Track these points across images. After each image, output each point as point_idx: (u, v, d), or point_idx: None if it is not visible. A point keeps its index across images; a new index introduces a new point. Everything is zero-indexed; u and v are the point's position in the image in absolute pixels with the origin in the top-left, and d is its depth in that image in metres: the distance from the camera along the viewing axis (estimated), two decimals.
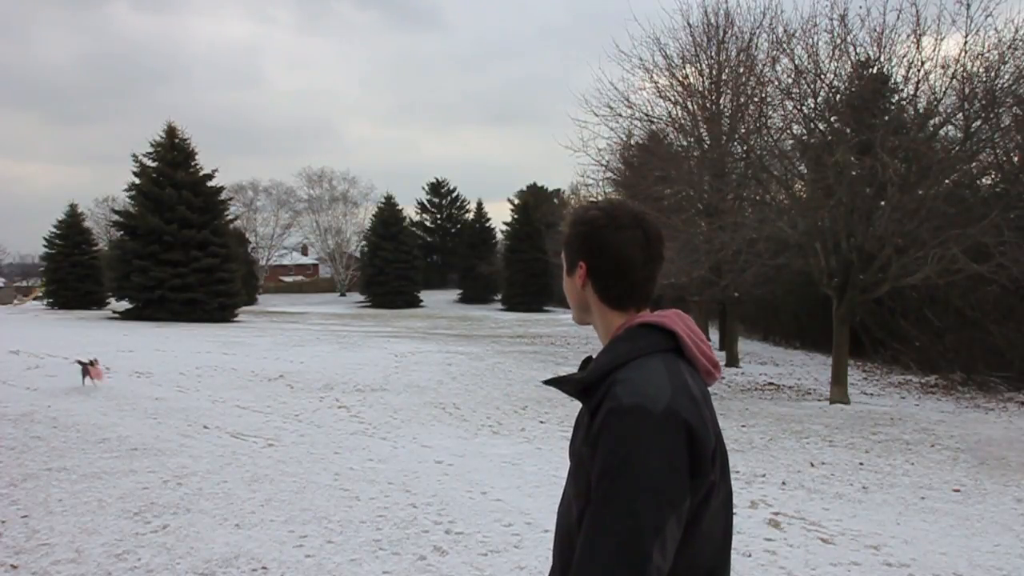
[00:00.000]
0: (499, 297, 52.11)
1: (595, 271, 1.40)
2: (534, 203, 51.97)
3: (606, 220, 1.38)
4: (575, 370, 1.41)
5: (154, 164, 28.55)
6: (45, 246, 36.46)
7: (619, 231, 1.37)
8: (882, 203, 11.67)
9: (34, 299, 45.74)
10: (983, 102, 11.12)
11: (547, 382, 1.42)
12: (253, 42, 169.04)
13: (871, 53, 11.97)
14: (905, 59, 11.67)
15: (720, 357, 18.63)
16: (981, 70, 11.22)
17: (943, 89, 11.53)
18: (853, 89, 12.27)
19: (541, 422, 9.29)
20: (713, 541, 1.28)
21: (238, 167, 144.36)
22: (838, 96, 12.47)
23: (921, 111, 11.88)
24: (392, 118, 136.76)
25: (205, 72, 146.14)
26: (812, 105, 12.42)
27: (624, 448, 1.20)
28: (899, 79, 12.23)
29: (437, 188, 65.47)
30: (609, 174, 20.59)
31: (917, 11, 11.32)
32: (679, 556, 1.22)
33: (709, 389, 1.41)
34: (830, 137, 12.27)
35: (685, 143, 17.03)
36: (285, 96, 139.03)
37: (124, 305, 28.51)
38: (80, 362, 10.40)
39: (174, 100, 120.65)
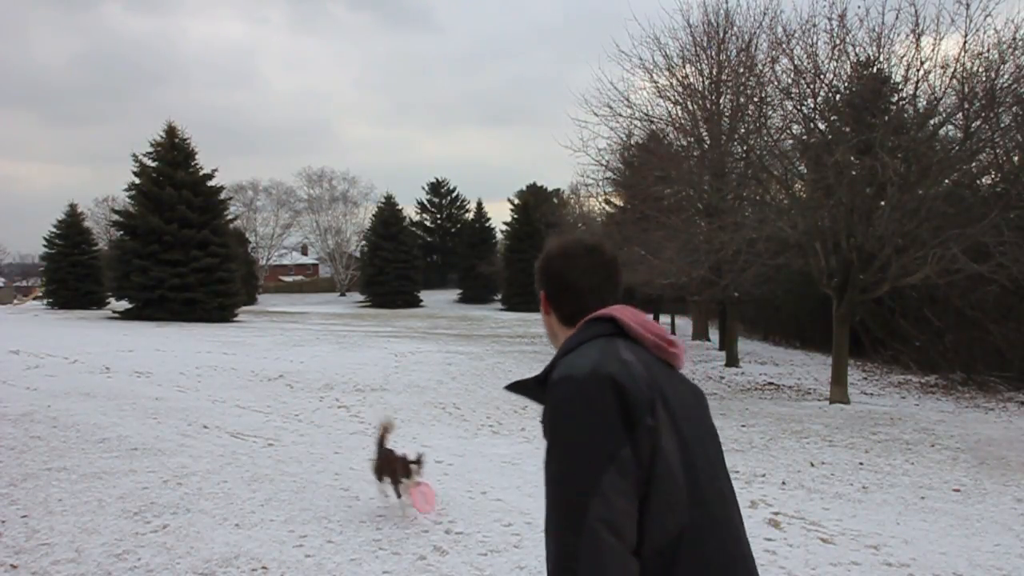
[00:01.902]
0: (499, 297, 52.12)
1: (552, 297, 1.57)
2: (534, 203, 51.97)
3: (557, 252, 1.56)
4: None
5: (154, 164, 28.55)
6: (45, 246, 36.47)
7: (568, 260, 1.54)
8: (882, 203, 11.66)
9: (34, 299, 45.76)
10: (983, 102, 11.11)
11: (509, 387, 1.54)
12: (248, 43, 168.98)
13: (871, 53, 11.96)
14: (904, 59, 11.68)
15: (720, 357, 18.65)
16: (981, 69, 11.22)
17: (943, 89, 11.53)
18: (853, 89, 12.26)
19: (541, 422, 9.28)
20: (674, 482, 1.29)
21: (238, 167, 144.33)
22: (838, 96, 12.47)
23: (921, 111, 11.88)
24: (390, 118, 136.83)
25: (202, 72, 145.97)
26: (812, 105, 12.41)
27: (554, 416, 1.33)
28: (899, 79, 12.22)
29: (437, 188, 65.46)
30: (609, 174, 20.58)
31: (916, 11, 11.32)
32: (647, 502, 1.26)
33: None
34: (830, 137, 12.27)
35: (685, 143, 17.02)
36: (282, 96, 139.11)
37: (124, 305, 28.50)
38: (392, 459, 5.14)
39: (172, 100, 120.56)
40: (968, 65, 11.16)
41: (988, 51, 11.23)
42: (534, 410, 10.31)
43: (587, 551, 1.20)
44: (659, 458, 1.28)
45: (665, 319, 33.45)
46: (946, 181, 12.21)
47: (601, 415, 1.27)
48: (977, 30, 11.16)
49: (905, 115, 12.19)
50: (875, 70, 12.24)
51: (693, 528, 1.29)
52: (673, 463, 1.29)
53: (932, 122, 11.81)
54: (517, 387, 1.50)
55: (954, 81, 11.26)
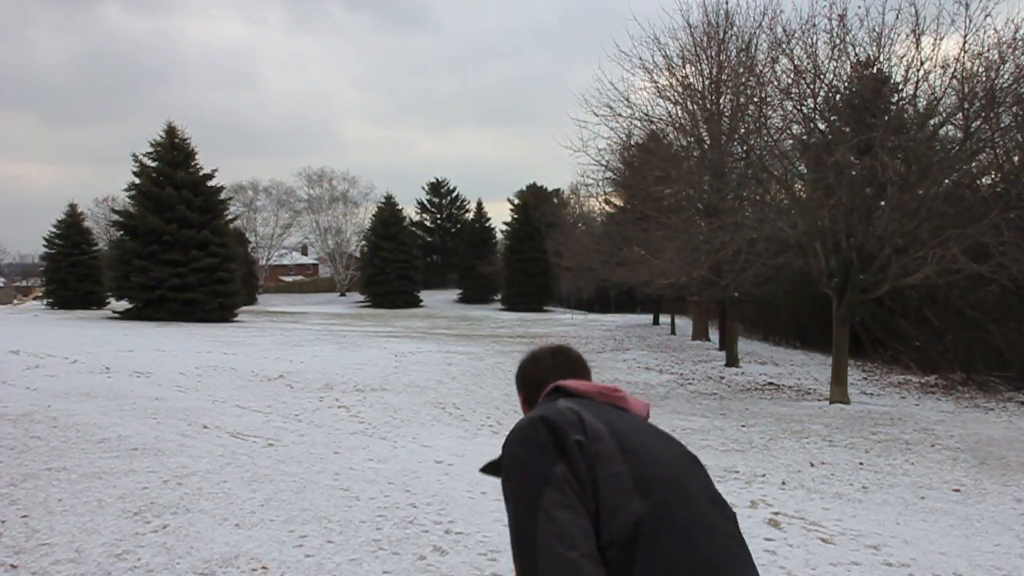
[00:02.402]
0: (499, 297, 52.16)
1: (528, 398, 1.81)
2: (534, 203, 52.05)
3: (528, 359, 1.85)
4: None
5: (154, 164, 28.55)
6: (45, 246, 36.48)
7: (535, 363, 1.81)
8: (882, 203, 11.66)
9: (34, 299, 45.75)
10: (983, 102, 11.10)
11: (482, 471, 1.78)
12: (246, 43, 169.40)
13: (871, 53, 11.96)
14: (904, 59, 11.67)
15: (720, 357, 18.65)
16: (981, 69, 11.21)
17: (943, 89, 11.52)
18: (853, 89, 12.26)
19: None
20: (618, 481, 1.38)
21: (237, 167, 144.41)
22: (838, 96, 12.46)
23: (921, 111, 11.87)
24: (389, 118, 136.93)
25: (201, 72, 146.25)
26: (812, 105, 12.41)
27: (505, 458, 1.50)
28: (899, 79, 12.22)
29: (437, 188, 65.48)
30: (609, 174, 20.61)
31: (916, 11, 11.32)
32: (599, 504, 1.37)
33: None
34: (830, 137, 12.27)
35: (685, 143, 17.02)
36: (281, 96, 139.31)
37: (124, 305, 28.50)
38: None
39: (172, 100, 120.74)
40: (968, 65, 11.16)
41: (988, 51, 11.23)
42: None
43: (544, 567, 1.30)
44: (599, 462, 1.39)
45: (665, 319, 33.49)
46: (946, 181, 12.20)
47: (534, 446, 1.43)
48: (977, 30, 11.16)
49: (905, 115, 12.18)
50: (875, 70, 12.24)
51: (648, 521, 1.34)
52: (615, 465, 1.39)
53: (932, 122, 11.81)
54: (488, 469, 1.71)
55: (954, 81, 11.26)
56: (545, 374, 1.75)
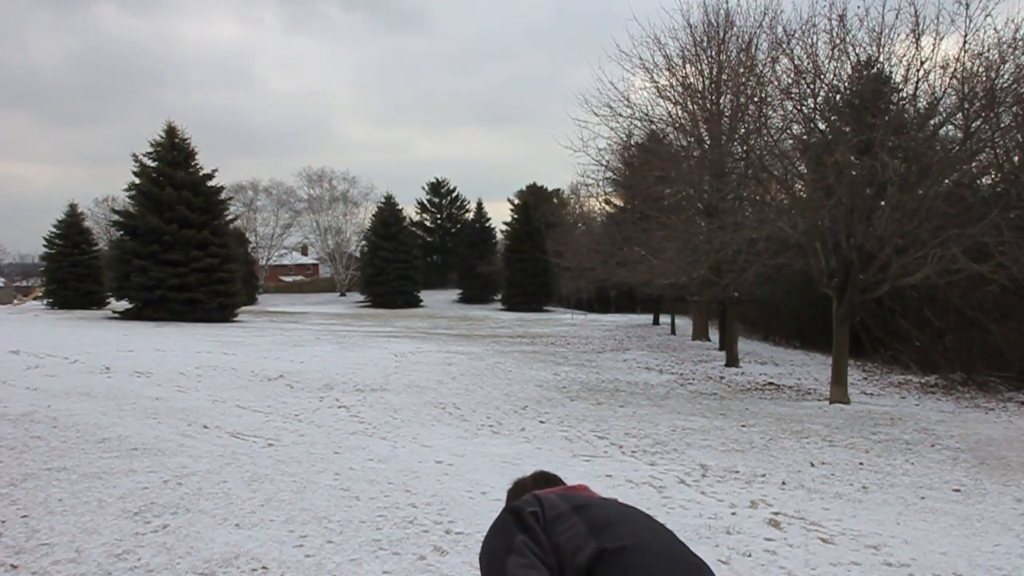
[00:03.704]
0: (499, 297, 52.14)
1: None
2: (534, 203, 52.00)
3: (512, 486, 2.09)
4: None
5: (154, 164, 28.53)
6: (45, 246, 36.45)
7: (516, 487, 2.05)
8: (882, 203, 11.66)
9: (34, 299, 45.76)
10: (983, 102, 11.10)
11: None
12: (243, 44, 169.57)
13: (871, 53, 11.97)
14: (904, 59, 11.67)
15: (720, 357, 18.65)
16: (981, 69, 11.21)
17: (943, 89, 11.52)
18: (853, 89, 12.26)
19: (541, 422, 9.29)
20: (574, 532, 1.61)
21: (238, 167, 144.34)
22: (838, 96, 12.47)
23: (921, 111, 11.87)
24: (388, 119, 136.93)
25: (199, 73, 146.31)
26: (812, 105, 12.41)
27: (480, 554, 1.72)
28: (899, 79, 12.22)
29: (437, 188, 65.47)
30: (609, 174, 20.61)
31: (916, 11, 11.32)
32: (560, 557, 1.57)
33: None
34: (830, 137, 12.27)
35: (685, 143, 17.03)
36: (279, 97, 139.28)
37: (124, 305, 28.50)
38: None
39: (170, 101, 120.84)
40: (968, 65, 11.16)
41: (988, 51, 11.23)
42: (534, 410, 10.33)
43: None
44: (555, 524, 1.63)
45: (665, 319, 33.48)
46: (946, 181, 12.20)
47: (500, 531, 1.67)
48: (977, 30, 11.17)
49: (905, 115, 12.19)
50: (875, 70, 12.24)
51: (606, 551, 1.54)
52: (568, 521, 1.63)
53: (932, 122, 11.81)
54: None
55: (954, 81, 11.26)
56: (526, 491, 1.95)
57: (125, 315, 27.56)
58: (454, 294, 56.76)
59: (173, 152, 28.63)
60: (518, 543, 1.59)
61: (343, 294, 60.65)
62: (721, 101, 16.17)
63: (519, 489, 2.07)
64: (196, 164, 29.28)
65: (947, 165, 11.70)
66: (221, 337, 19.64)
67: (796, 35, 12.56)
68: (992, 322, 14.02)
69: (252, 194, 59.43)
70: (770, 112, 13.53)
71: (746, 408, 11.38)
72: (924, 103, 11.86)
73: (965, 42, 11.06)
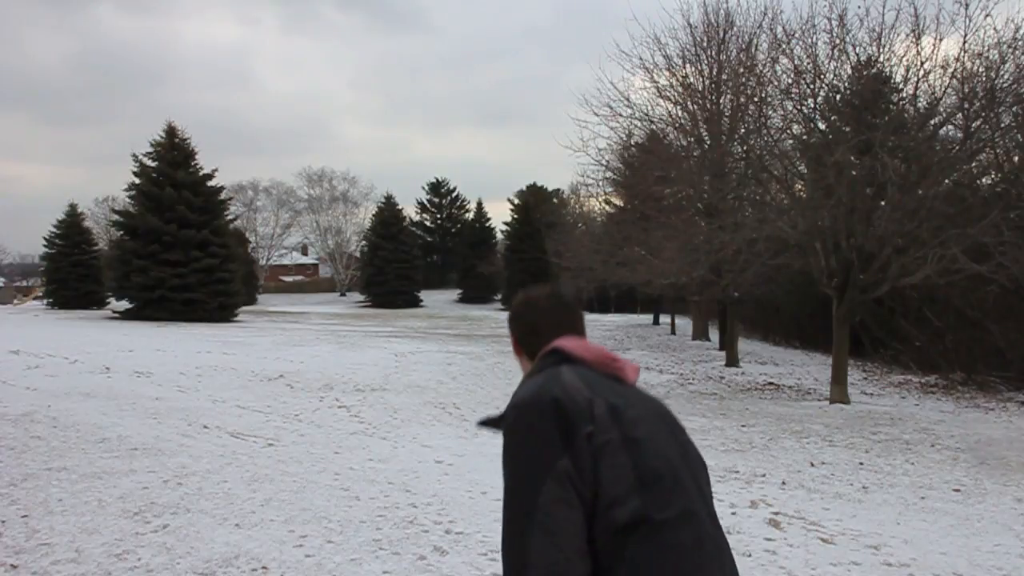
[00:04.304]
0: (499, 297, 52.13)
1: (520, 340, 1.74)
2: (534, 203, 51.99)
3: (522, 300, 1.77)
4: None
5: (154, 164, 28.52)
6: (45, 246, 36.46)
7: (530, 305, 1.74)
8: (882, 203, 11.66)
9: (34, 299, 45.75)
10: (983, 102, 11.11)
11: (480, 424, 1.71)
12: (241, 44, 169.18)
13: (871, 53, 11.97)
14: (904, 59, 11.68)
15: (720, 357, 18.65)
16: (981, 69, 11.21)
17: (943, 89, 11.53)
18: (853, 89, 12.26)
19: None
20: (621, 477, 1.37)
21: (237, 167, 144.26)
22: (838, 96, 12.47)
23: (921, 111, 11.88)
24: (387, 119, 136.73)
25: (198, 73, 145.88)
26: (812, 105, 12.42)
27: (504, 436, 1.46)
28: (899, 79, 12.23)
29: (437, 188, 65.47)
30: (609, 174, 20.61)
31: (915, 10, 11.33)
32: (597, 499, 1.36)
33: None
34: (830, 137, 12.27)
35: (685, 143, 17.03)
36: (279, 97, 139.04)
37: (124, 305, 28.49)
38: None
39: (170, 101, 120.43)
40: (968, 65, 11.17)
41: (988, 51, 11.24)
42: None
43: (533, 561, 1.32)
44: (604, 453, 1.38)
45: (665, 319, 33.47)
46: (946, 181, 12.21)
47: (539, 434, 1.40)
48: (977, 30, 11.19)
49: (905, 115, 12.19)
50: (875, 70, 12.25)
51: (645, 514, 1.36)
52: (619, 456, 1.39)
53: (932, 122, 11.81)
54: (487, 423, 1.65)
55: (954, 81, 11.27)
56: (540, 319, 1.70)
57: (125, 315, 27.55)
58: (454, 294, 56.75)
59: (173, 152, 28.63)
60: (560, 469, 1.35)
61: (343, 294, 60.64)
62: (721, 101, 16.16)
63: (531, 310, 1.73)
64: (196, 164, 29.29)
65: (947, 165, 11.71)
66: (221, 337, 19.64)
67: (796, 35, 12.57)
68: (992, 322, 14.02)
69: (252, 194, 59.51)
70: (770, 112, 13.54)
71: (746, 408, 11.38)
72: (924, 103, 11.87)
73: (965, 42, 11.07)
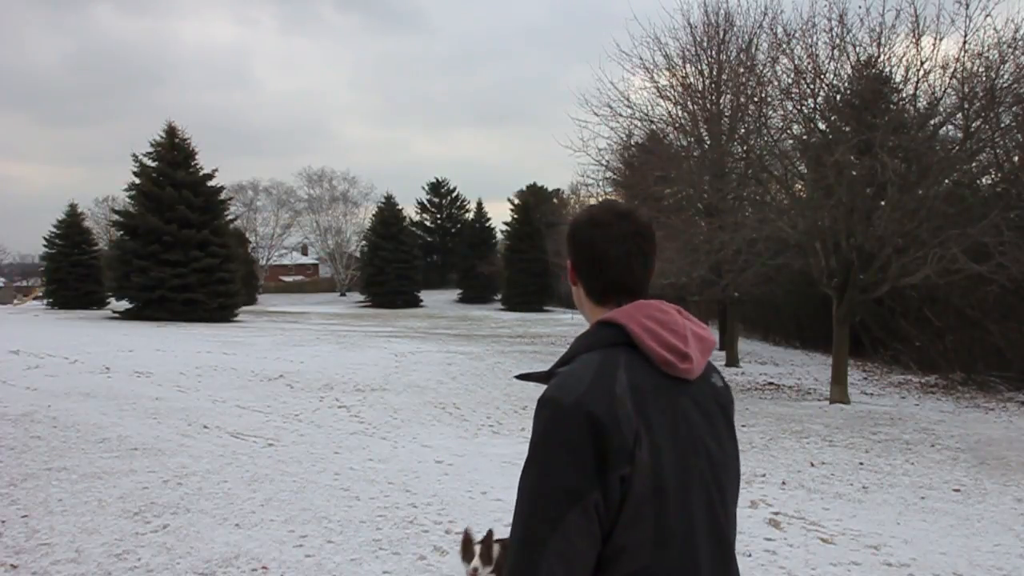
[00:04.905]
0: (499, 297, 52.11)
1: (578, 267, 1.46)
2: (534, 203, 52.00)
3: (585, 218, 1.45)
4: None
5: (154, 164, 28.55)
6: (45, 246, 36.46)
7: (595, 228, 1.42)
8: (882, 203, 11.66)
9: (34, 299, 45.75)
10: (983, 102, 11.11)
11: (519, 376, 1.51)
12: (240, 44, 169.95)
13: (871, 53, 11.97)
14: (904, 59, 11.68)
15: (720, 357, 18.63)
16: (981, 69, 11.21)
17: (943, 89, 11.53)
18: (853, 89, 12.26)
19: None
20: (641, 528, 1.26)
21: (236, 167, 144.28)
22: (838, 96, 12.47)
23: (921, 111, 11.88)
24: (386, 119, 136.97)
25: (197, 73, 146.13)
26: (812, 105, 12.41)
27: (536, 436, 1.29)
28: (899, 79, 12.23)
29: (437, 188, 65.45)
30: (609, 174, 20.59)
31: (915, 10, 11.33)
32: (610, 540, 1.24)
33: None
34: (830, 137, 12.27)
35: (685, 143, 17.03)
36: (278, 97, 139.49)
37: (124, 305, 28.50)
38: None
39: (169, 101, 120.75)
40: (968, 65, 11.16)
41: (988, 51, 11.24)
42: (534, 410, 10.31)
43: None
44: (629, 505, 1.25)
45: None
46: (946, 181, 12.20)
47: (577, 453, 1.23)
48: (977, 30, 11.18)
49: (905, 115, 12.18)
50: (875, 70, 12.24)
51: (649, 571, 1.26)
52: (644, 507, 1.26)
53: (932, 122, 11.81)
54: (528, 377, 1.48)
55: (954, 81, 11.26)
56: (608, 247, 1.41)
57: (125, 315, 27.56)
58: (454, 294, 56.74)
59: (173, 152, 28.65)
60: (590, 502, 1.22)
61: (343, 294, 60.63)
62: (721, 101, 16.16)
63: (599, 232, 1.41)
64: (196, 164, 29.31)
65: (947, 165, 11.71)
66: (221, 337, 19.64)
67: (796, 35, 12.58)
68: (992, 322, 14.02)
69: (252, 194, 59.48)
70: (770, 112, 13.53)
71: (746, 408, 11.38)
72: (924, 103, 11.87)
73: (965, 42, 11.07)
